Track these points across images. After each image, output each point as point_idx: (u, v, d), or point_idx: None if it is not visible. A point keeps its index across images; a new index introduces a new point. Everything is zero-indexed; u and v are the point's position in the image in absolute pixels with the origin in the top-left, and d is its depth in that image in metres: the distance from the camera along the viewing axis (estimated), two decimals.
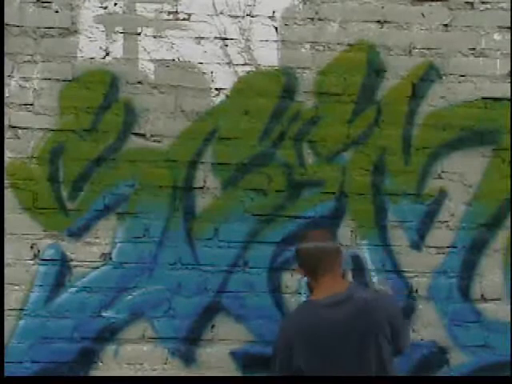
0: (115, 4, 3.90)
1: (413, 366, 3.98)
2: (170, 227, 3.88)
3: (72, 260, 3.85)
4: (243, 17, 3.96)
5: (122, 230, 3.87)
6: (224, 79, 3.94)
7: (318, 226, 3.88)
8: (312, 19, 3.98)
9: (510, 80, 4.01)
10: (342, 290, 3.31)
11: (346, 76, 3.97)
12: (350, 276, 3.83)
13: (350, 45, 3.98)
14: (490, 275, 4.00)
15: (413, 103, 3.99)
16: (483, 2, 4.03)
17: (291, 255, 3.91)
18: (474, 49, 4.03)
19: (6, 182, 3.81)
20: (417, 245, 3.98)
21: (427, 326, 3.98)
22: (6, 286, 3.78)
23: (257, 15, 3.96)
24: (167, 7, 3.92)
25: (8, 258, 3.80)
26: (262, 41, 3.95)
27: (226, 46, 3.94)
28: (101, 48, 3.89)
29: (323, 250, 3.35)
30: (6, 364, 3.70)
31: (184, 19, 3.93)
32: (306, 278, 3.51)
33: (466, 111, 4.00)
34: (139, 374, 3.84)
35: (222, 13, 3.95)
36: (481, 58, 4.02)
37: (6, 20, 3.83)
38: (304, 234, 3.56)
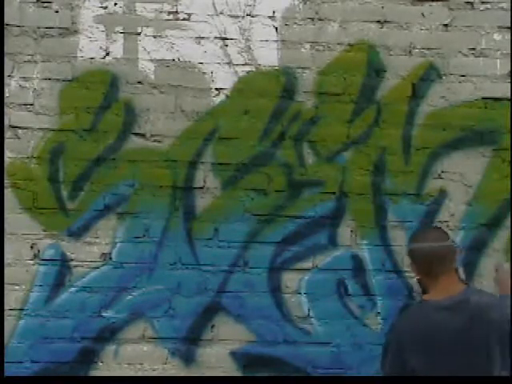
0: (115, 4, 3.90)
1: None
2: (170, 227, 3.88)
3: (72, 260, 3.85)
4: (243, 17, 3.96)
5: (122, 230, 3.87)
6: (224, 79, 3.94)
7: (319, 226, 3.91)
8: (312, 19, 3.98)
9: (510, 80, 4.01)
10: (458, 292, 3.24)
11: (346, 76, 3.97)
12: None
13: (350, 45, 3.98)
14: (489, 275, 3.99)
15: (413, 103, 3.99)
16: (483, 2, 4.02)
17: (291, 255, 3.93)
18: (474, 49, 4.03)
19: (5, 181, 3.81)
20: None
21: None
22: (5, 285, 3.78)
23: (257, 15, 3.96)
24: (167, 7, 3.92)
25: (8, 257, 3.80)
26: (262, 41, 3.95)
27: (226, 45, 3.94)
28: (101, 48, 3.89)
29: (438, 251, 3.29)
30: (5, 364, 3.70)
31: (184, 19, 3.93)
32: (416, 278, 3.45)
33: (466, 111, 4.00)
34: (139, 373, 3.85)
35: (222, 13, 3.95)
36: (481, 58, 4.02)
37: (6, 20, 3.83)
38: (418, 233, 3.48)
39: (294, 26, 3.97)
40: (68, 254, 3.85)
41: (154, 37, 3.91)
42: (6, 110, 3.82)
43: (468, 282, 3.62)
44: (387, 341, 3.36)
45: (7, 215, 3.80)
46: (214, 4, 3.95)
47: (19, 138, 3.84)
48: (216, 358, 3.88)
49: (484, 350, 3.15)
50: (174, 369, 3.86)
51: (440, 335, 3.18)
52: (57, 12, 3.87)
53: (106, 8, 3.90)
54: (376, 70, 3.99)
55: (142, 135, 3.89)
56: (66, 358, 3.81)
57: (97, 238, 3.86)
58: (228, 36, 3.95)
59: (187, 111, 3.91)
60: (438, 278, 3.25)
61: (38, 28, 3.86)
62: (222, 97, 3.93)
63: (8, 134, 3.83)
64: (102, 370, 3.84)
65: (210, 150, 3.91)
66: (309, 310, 3.94)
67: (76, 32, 3.88)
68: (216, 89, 3.93)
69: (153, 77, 3.91)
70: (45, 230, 3.83)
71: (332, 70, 3.97)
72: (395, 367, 3.26)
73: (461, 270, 3.49)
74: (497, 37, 4.03)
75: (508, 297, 3.38)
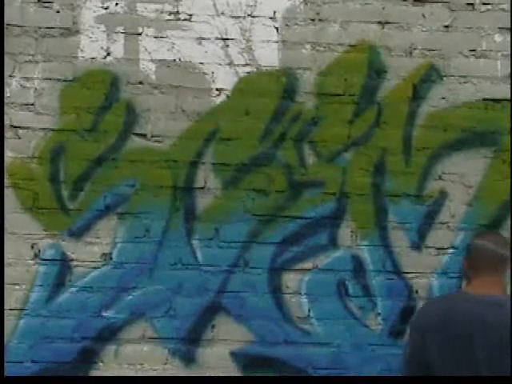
0: (116, 4, 3.91)
1: None
2: (171, 227, 3.88)
3: (72, 260, 3.85)
4: (244, 17, 3.96)
5: (122, 230, 3.87)
6: (225, 79, 3.94)
7: (320, 226, 3.91)
8: (313, 20, 3.98)
9: (510, 81, 4.01)
10: (494, 294, 3.28)
11: (346, 77, 3.97)
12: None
13: (350, 45, 3.98)
14: None
15: (413, 104, 3.99)
16: (484, 3, 4.03)
17: (292, 256, 3.93)
18: (474, 50, 4.03)
19: (6, 181, 3.81)
20: (417, 245, 3.98)
21: None
22: (6, 285, 3.78)
23: (258, 16, 3.96)
24: (168, 7, 3.93)
25: (8, 257, 3.80)
26: (262, 41, 3.95)
27: (227, 46, 3.95)
28: (102, 48, 3.89)
29: (497, 255, 3.34)
30: (6, 364, 3.69)
31: (185, 19, 3.94)
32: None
33: (467, 112, 4.00)
34: (139, 374, 3.85)
35: (222, 13, 3.95)
36: (482, 59, 4.03)
37: (7, 20, 3.83)
38: (485, 234, 3.61)
39: (295, 26, 3.97)
40: (68, 253, 3.85)
41: (155, 37, 3.92)
42: (6, 109, 3.83)
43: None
44: (412, 321, 3.43)
45: (8, 215, 3.80)
46: (214, 4, 3.95)
47: (20, 138, 3.84)
48: (216, 358, 3.89)
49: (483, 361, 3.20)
50: (175, 369, 3.87)
51: (463, 324, 3.21)
52: (58, 12, 3.88)
53: (107, 8, 3.90)
54: (377, 71, 4.00)
55: (143, 135, 3.89)
56: (66, 358, 3.81)
57: (97, 237, 3.86)
58: (229, 36, 3.95)
59: (188, 111, 3.91)
60: (480, 277, 3.32)
61: (39, 28, 3.86)
62: (222, 97, 3.93)
63: (9, 133, 3.83)
64: (102, 370, 3.84)
65: (211, 150, 3.91)
66: (309, 310, 3.94)
67: (77, 32, 3.89)
68: (217, 89, 3.93)
69: (154, 77, 3.91)
70: (45, 230, 3.84)
71: (333, 71, 3.97)
72: (415, 349, 3.29)
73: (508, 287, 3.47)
74: (497, 38, 4.03)
75: None
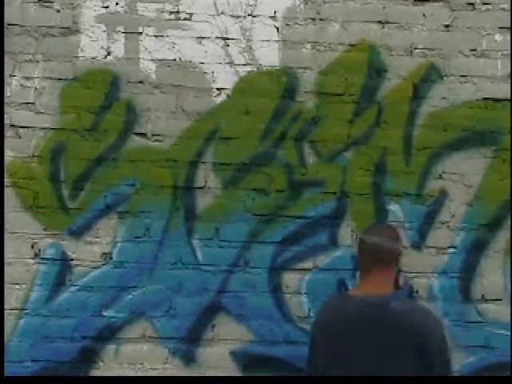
0: (117, 3, 3.91)
1: None
2: (171, 227, 3.88)
3: (72, 259, 3.85)
4: (244, 17, 3.96)
5: (122, 230, 3.87)
6: (225, 79, 3.94)
7: (320, 226, 3.91)
8: (313, 19, 3.98)
9: (510, 80, 4.01)
10: (383, 294, 3.17)
11: (347, 76, 3.97)
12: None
13: (351, 45, 3.98)
14: (490, 276, 4.00)
15: (414, 103, 4.00)
16: (484, 3, 4.03)
17: (292, 255, 3.93)
18: (475, 49, 4.03)
19: (6, 180, 3.81)
20: (417, 245, 3.98)
21: None
22: (6, 285, 3.79)
23: (258, 15, 3.96)
24: (168, 7, 3.93)
25: (8, 256, 3.80)
26: (263, 41, 3.96)
27: (228, 45, 3.95)
28: (102, 47, 3.89)
29: (377, 248, 3.20)
30: (6, 363, 3.69)
31: (185, 19, 3.94)
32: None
33: (467, 112, 4.00)
34: (139, 373, 3.84)
35: (223, 13, 3.95)
36: (482, 59, 4.03)
37: (8, 19, 3.83)
38: (371, 227, 3.38)
39: (296, 26, 3.98)
40: (68, 253, 3.85)
41: (156, 36, 3.92)
42: (7, 109, 3.83)
43: (402, 288, 3.33)
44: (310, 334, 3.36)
45: (8, 214, 3.80)
46: (215, 4, 3.95)
47: (20, 137, 3.84)
48: (216, 357, 3.88)
49: (392, 355, 3.07)
50: (175, 368, 3.87)
51: (350, 329, 3.13)
52: (58, 11, 3.88)
53: (107, 7, 3.90)
54: (377, 71, 4.00)
55: (143, 135, 3.89)
56: (66, 358, 3.81)
57: (97, 237, 3.86)
58: (229, 36, 3.95)
59: (188, 111, 3.92)
60: (369, 275, 3.21)
61: (40, 27, 3.86)
62: (223, 97, 3.93)
63: (9, 132, 3.84)
64: (102, 369, 3.84)
65: (211, 149, 3.91)
66: (309, 310, 3.94)
67: (77, 31, 3.89)
68: (217, 89, 3.94)
69: (154, 76, 3.92)
70: (45, 229, 3.84)
71: (333, 70, 3.97)
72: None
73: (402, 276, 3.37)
74: (498, 37, 4.04)
75: (429, 310, 3.30)
